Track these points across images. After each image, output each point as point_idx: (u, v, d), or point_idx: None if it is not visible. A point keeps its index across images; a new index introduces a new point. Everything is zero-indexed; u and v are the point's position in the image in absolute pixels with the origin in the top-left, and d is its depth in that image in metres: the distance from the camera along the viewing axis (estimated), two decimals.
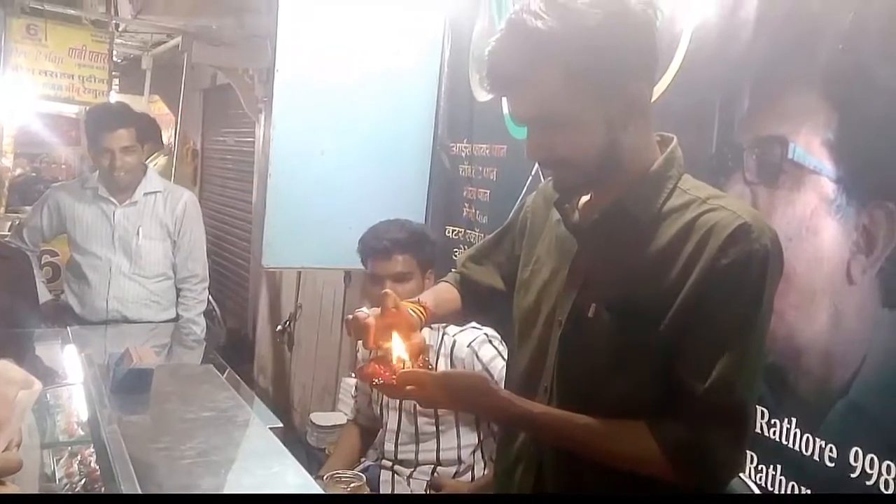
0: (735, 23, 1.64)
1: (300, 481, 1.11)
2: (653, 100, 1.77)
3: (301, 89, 2.56)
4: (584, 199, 1.18)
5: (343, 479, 1.50)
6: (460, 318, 1.44)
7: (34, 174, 6.19)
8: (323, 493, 0.99)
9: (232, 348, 4.39)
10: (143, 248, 2.80)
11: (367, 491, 1.50)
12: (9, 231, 4.42)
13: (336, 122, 2.64)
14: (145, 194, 2.81)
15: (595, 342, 1.08)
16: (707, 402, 0.99)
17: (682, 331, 1.02)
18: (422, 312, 1.21)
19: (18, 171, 6.01)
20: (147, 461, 1.01)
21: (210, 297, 4.21)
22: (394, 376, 1.05)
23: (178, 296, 2.91)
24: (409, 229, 2.09)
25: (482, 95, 2.56)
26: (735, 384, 1.00)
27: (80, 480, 1.38)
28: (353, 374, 1.08)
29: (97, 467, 1.35)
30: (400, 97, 2.73)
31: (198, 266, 2.93)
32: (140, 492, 0.86)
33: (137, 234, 2.78)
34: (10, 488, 0.74)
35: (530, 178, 2.29)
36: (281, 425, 1.43)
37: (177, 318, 2.90)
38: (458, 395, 1.08)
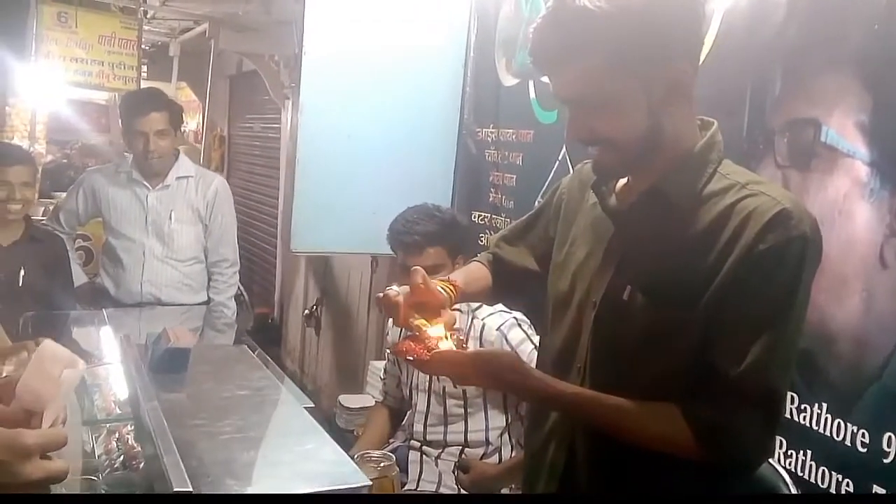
0: (766, 4, 1.62)
1: (335, 457, 1.13)
2: None
3: (328, 73, 2.58)
4: (622, 182, 1.18)
5: (373, 459, 1.52)
6: (490, 297, 1.44)
7: (65, 160, 6.29)
8: (322, 493, 1.00)
9: (260, 332, 4.46)
10: (176, 231, 2.84)
11: (396, 471, 1.53)
12: (43, 216, 4.52)
13: (363, 107, 2.65)
14: (177, 178, 2.85)
15: (629, 324, 1.08)
16: (739, 386, 1.00)
17: (717, 315, 1.02)
18: (452, 290, 1.22)
19: (50, 157, 6.12)
20: (186, 437, 1.04)
21: (238, 281, 4.26)
22: (427, 353, 1.07)
23: (209, 279, 2.96)
24: (439, 220, 2.07)
25: (508, 80, 2.55)
26: (768, 369, 1.00)
27: (119, 457, 1.43)
28: (389, 351, 1.10)
29: (135, 444, 1.39)
30: (426, 82, 2.73)
31: (228, 250, 2.98)
32: (181, 464, 0.89)
33: (170, 217, 2.83)
34: (57, 463, 0.77)
35: (557, 162, 2.28)
36: (312, 405, 1.45)
37: (208, 301, 2.95)
38: (490, 373, 1.09)
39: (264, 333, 4.63)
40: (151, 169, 2.81)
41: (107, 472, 1.35)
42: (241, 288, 4.16)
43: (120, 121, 2.91)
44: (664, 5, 1.01)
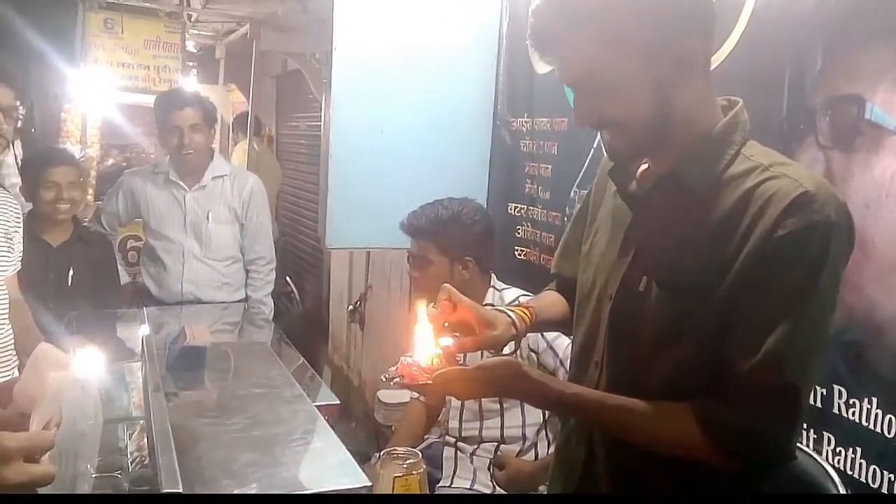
0: None
1: (337, 458, 1.11)
2: (719, 61, 1.71)
3: (359, 69, 2.57)
4: (643, 167, 1.12)
5: (399, 456, 1.49)
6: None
7: (125, 164, 6.48)
8: (322, 493, 0.98)
9: (309, 328, 4.50)
10: (213, 231, 2.88)
11: (423, 468, 1.49)
12: None
13: (395, 101, 2.63)
14: (213, 178, 2.89)
15: (645, 316, 1.03)
16: (752, 381, 0.93)
17: (733, 306, 0.95)
18: (526, 314, 1.19)
19: (111, 161, 6.31)
20: (190, 436, 1.04)
21: (288, 278, 4.28)
22: (426, 376, 1.04)
23: (246, 277, 2.99)
24: (434, 216, 2.06)
25: (542, 67, 2.49)
26: (784, 362, 0.93)
27: (149, 454, 1.44)
28: (385, 378, 1.07)
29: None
30: (459, 73, 2.70)
31: (264, 248, 3.00)
32: (177, 464, 0.88)
33: (207, 217, 2.86)
34: (41, 467, 0.77)
35: (592, 150, 2.22)
36: (338, 402, 1.44)
37: (247, 299, 2.98)
38: (493, 384, 1.06)
39: (312, 329, 4.67)
40: (187, 166, 2.84)
41: (135, 468, 1.36)
42: (292, 285, 4.21)
43: (155, 123, 2.96)
44: None
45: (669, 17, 0.97)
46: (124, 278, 3.06)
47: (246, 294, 2.96)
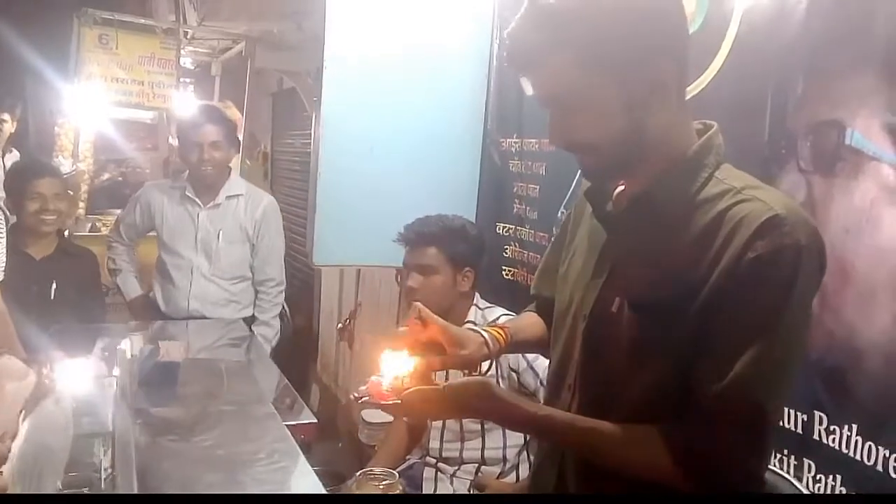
0: (788, 1, 1.54)
1: (306, 479, 1.09)
2: (702, 86, 1.72)
3: (349, 87, 2.57)
4: (619, 188, 1.12)
5: (376, 477, 1.48)
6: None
7: (120, 178, 6.49)
8: (322, 493, 0.96)
9: (298, 345, 4.48)
10: (223, 250, 2.88)
11: (399, 489, 1.48)
12: (89, 231, 4.65)
13: (385, 119, 2.63)
14: (227, 197, 2.90)
15: (617, 339, 1.02)
16: (719, 405, 0.92)
17: (703, 329, 0.95)
18: (500, 335, 1.18)
19: (106, 175, 6.32)
20: (153, 454, 1.02)
21: None
22: (394, 396, 1.03)
23: (255, 297, 2.99)
24: (441, 224, 2.08)
25: (531, 88, 2.50)
26: (752, 387, 0.92)
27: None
28: (353, 397, 1.06)
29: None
30: (449, 93, 2.71)
31: (274, 270, 3.00)
32: (136, 485, 0.87)
33: (218, 237, 2.87)
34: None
35: (579, 172, 2.22)
36: (315, 421, 1.42)
37: (252, 318, 2.97)
38: (462, 405, 1.06)
39: (302, 346, 4.65)
40: (204, 181, 2.85)
41: (107, 483, 1.34)
42: (284, 302, 4.21)
43: (176, 138, 2.98)
44: (638, 2, 0.96)
45: (643, 41, 0.97)
46: (137, 291, 3.04)
47: (253, 314, 2.95)
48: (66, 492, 1.15)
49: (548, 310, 1.26)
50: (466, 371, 1.17)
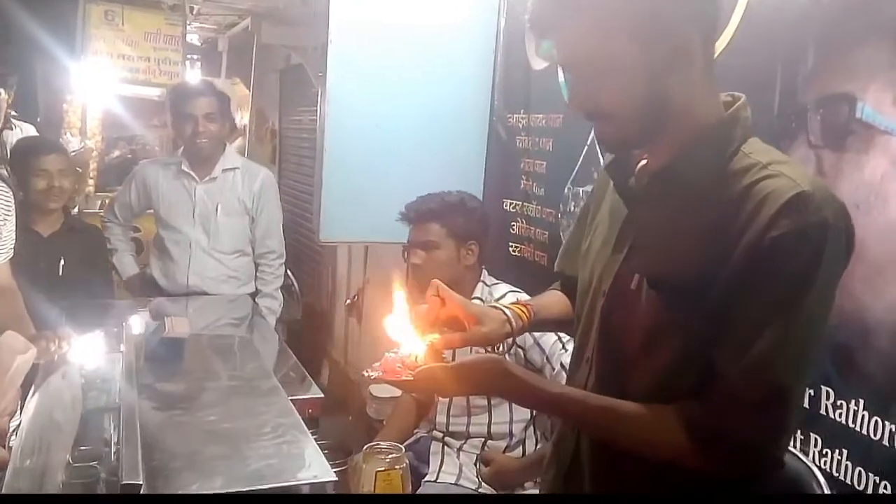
0: None
1: (309, 452, 1.10)
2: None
3: (355, 62, 2.55)
4: (642, 162, 1.10)
5: (381, 451, 1.49)
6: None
7: (130, 156, 6.49)
8: (322, 493, 0.96)
9: (309, 321, 4.51)
10: (222, 224, 2.88)
11: (405, 463, 1.49)
12: (99, 209, 4.66)
13: (391, 95, 2.62)
14: (224, 171, 2.89)
15: (634, 315, 1.01)
16: (739, 385, 0.91)
17: (723, 307, 0.93)
18: (523, 312, 1.16)
19: (116, 152, 6.32)
20: (158, 428, 1.03)
21: (289, 272, 4.32)
22: (410, 372, 1.03)
23: (256, 270, 2.99)
24: (441, 199, 2.10)
25: (538, 64, 2.48)
26: (773, 367, 0.90)
27: None
28: (366, 373, 1.04)
29: None
30: (456, 68, 2.68)
31: (274, 242, 3.01)
32: (140, 458, 0.88)
33: (216, 210, 2.87)
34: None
35: (586, 147, 2.21)
36: (321, 395, 1.43)
37: (256, 293, 2.97)
38: (475, 381, 1.04)
39: (312, 322, 4.68)
40: (200, 154, 2.85)
41: (115, 456, 1.36)
42: (293, 278, 4.22)
43: (169, 112, 2.97)
44: None
45: (668, 8, 0.95)
46: (134, 269, 3.05)
47: (256, 288, 2.96)
48: (76, 465, 1.17)
49: (572, 288, 1.24)
50: (478, 349, 1.16)
